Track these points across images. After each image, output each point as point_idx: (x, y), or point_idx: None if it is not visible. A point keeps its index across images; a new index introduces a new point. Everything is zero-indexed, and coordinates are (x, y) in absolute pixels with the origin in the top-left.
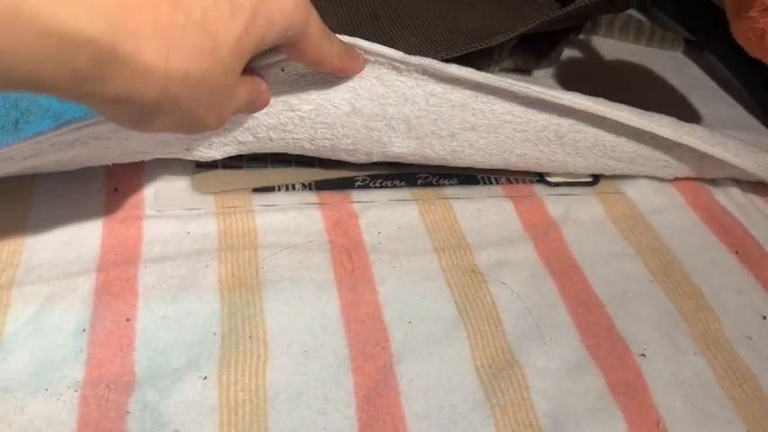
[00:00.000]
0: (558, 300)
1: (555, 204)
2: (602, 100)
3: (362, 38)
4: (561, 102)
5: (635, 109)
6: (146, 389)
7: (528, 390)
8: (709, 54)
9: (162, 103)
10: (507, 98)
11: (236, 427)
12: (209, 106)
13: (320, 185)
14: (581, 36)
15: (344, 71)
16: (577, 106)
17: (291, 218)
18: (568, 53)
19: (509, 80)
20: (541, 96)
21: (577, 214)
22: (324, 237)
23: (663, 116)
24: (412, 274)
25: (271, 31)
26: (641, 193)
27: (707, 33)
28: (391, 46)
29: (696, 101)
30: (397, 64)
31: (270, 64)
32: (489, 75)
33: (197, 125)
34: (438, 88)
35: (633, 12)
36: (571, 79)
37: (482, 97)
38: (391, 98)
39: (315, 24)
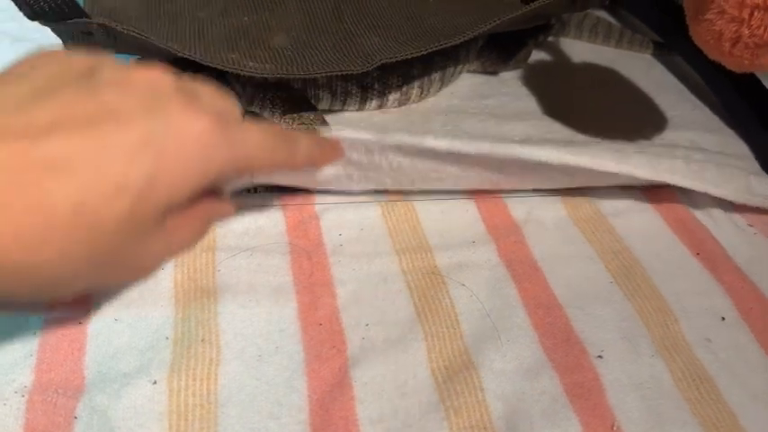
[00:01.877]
0: (518, 302)
1: (518, 206)
2: (577, 147)
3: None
4: (539, 159)
5: (611, 152)
6: (94, 393)
7: (483, 392)
8: (678, 56)
9: (52, 285)
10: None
11: None
12: (113, 274)
13: (283, 187)
14: (550, 38)
15: (317, 164)
16: (554, 161)
17: (252, 220)
18: (537, 55)
19: (486, 144)
20: (518, 156)
21: (540, 216)
22: (284, 239)
23: (641, 156)
24: (372, 277)
25: (179, 191)
26: (605, 196)
27: (674, 35)
28: (354, 46)
29: (664, 102)
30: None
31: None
32: (466, 142)
33: (118, 281)
34: (406, 161)
35: (602, 13)
36: (539, 81)
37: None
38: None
39: (253, 147)
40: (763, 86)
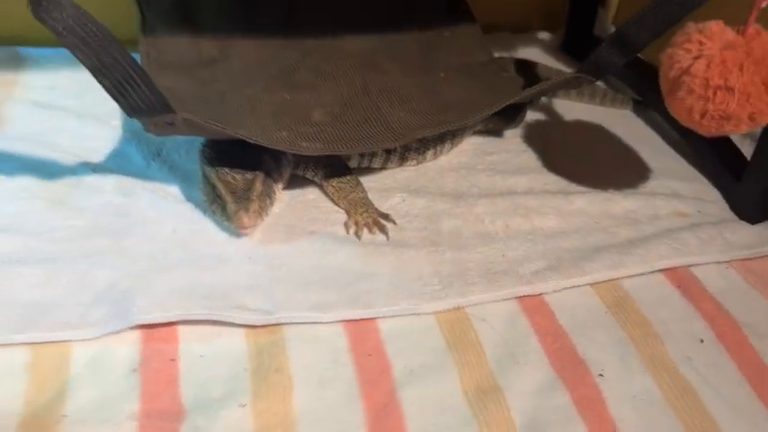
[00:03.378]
0: (530, 331)
1: None
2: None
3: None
4: None
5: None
6: (195, 416)
7: (509, 409)
8: (655, 112)
9: None
10: None
11: None
12: None
13: None
14: (543, 99)
15: None
16: None
17: None
18: (533, 115)
19: None
20: None
21: None
22: None
23: (637, 247)
24: (408, 315)
25: None
26: None
27: (650, 94)
28: (381, 119)
29: (644, 154)
30: None
31: None
32: None
33: None
34: None
35: None
36: (536, 138)
37: None
38: None
39: None
40: (732, 142)
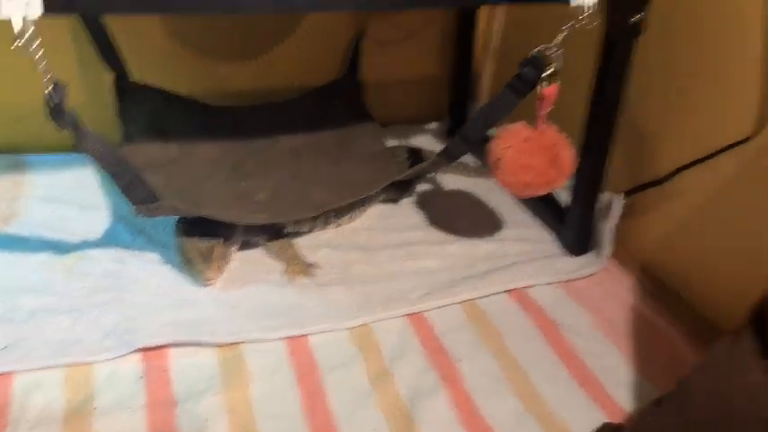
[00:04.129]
0: (414, 337)
1: (436, 319)
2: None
3: (291, 192)
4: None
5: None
6: (184, 404)
7: (395, 385)
8: None
9: None
10: None
11: None
12: None
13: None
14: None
15: None
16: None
17: None
18: (422, 186)
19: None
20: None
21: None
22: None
23: (493, 274)
24: (329, 331)
25: None
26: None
27: None
28: (308, 197)
29: (501, 210)
30: None
31: None
32: None
33: None
34: None
35: None
36: (425, 203)
37: None
38: None
39: None
40: (553, 197)
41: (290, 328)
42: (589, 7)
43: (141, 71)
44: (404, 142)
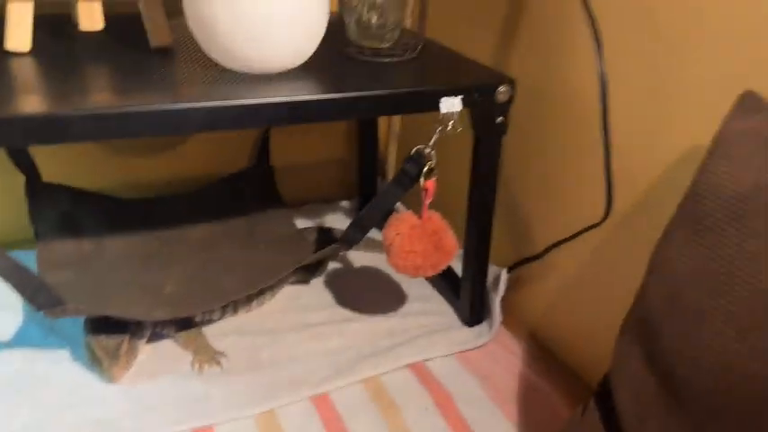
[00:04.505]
0: (318, 420)
1: None
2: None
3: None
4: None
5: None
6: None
7: None
8: None
9: None
10: None
11: None
12: None
13: None
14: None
15: None
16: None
17: None
18: (332, 264)
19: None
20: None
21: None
22: None
23: (390, 350)
24: (234, 420)
25: None
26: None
27: None
28: (215, 287)
29: (404, 284)
30: None
31: None
32: None
33: None
34: None
35: None
36: (332, 282)
37: None
38: None
39: None
40: (453, 271)
41: (197, 420)
42: (453, 114)
43: (52, 170)
44: (317, 221)
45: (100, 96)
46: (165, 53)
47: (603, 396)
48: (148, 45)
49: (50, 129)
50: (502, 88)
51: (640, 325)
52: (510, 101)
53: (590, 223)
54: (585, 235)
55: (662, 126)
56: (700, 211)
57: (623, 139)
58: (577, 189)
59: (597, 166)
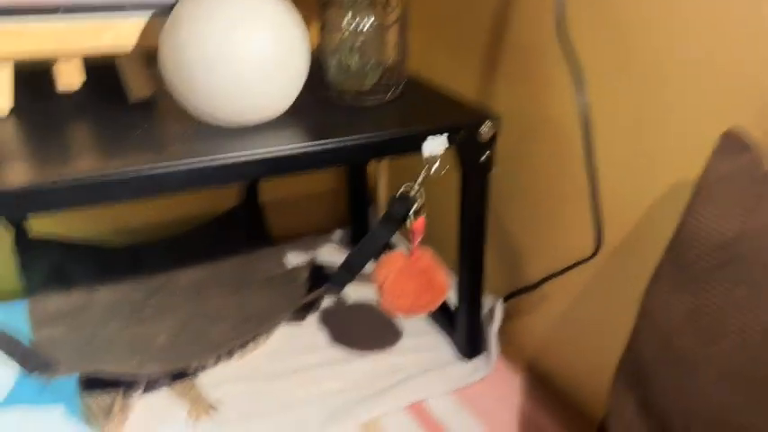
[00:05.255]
0: None
1: None
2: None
3: (188, 334)
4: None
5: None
6: None
7: None
8: None
9: None
10: None
11: None
12: None
13: None
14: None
15: None
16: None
17: None
18: (327, 302)
19: None
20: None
21: None
22: None
23: (392, 389)
24: None
25: None
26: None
27: None
28: (206, 336)
29: (402, 322)
30: None
31: None
32: None
33: None
34: None
35: None
36: (328, 319)
37: None
38: None
39: None
40: (447, 305)
41: None
42: (436, 157)
43: (40, 222)
44: (310, 253)
45: (80, 163)
46: (145, 106)
47: None
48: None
49: (31, 201)
50: (485, 127)
51: (633, 370)
52: (494, 137)
53: (581, 257)
54: (578, 268)
55: (647, 160)
56: (686, 258)
57: (609, 173)
58: (567, 223)
59: (583, 199)
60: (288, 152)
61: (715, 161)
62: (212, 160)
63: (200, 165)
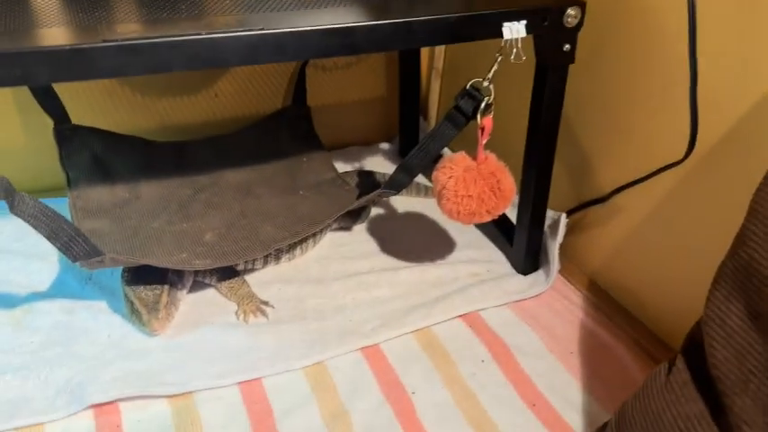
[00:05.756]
0: (369, 371)
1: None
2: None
3: (237, 230)
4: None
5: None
6: None
7: (351, 425)
8: None
9: None
10: None
11: None
12: None
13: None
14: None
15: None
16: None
17: None
18: (375, 210)
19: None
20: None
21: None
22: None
23: (440, 301)
24: (283, 372)
25: None
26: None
27: None
28: (256, 235)
29: (452, 232)
30: None
31: None
32: None
33: None
34: None
35: None
36: (376, 229)
37: None
38: None
39: None
40: (507, 218)
41: (243, 373)
42: (516, 42)
43: (81, 113)
44: (356, 165)
45: (127, 27)
46: None
47: (693, 355)
48: None
49: (77, 63)
50: (571, 11)
51: (741, 276)
52: (579, 25)
53: (667, 162)
54: (661, 175)
55: (753, 57)
56: None
57: (708, 69)
58: (652, 124)
59: (675, 97)
60: (354, 25)
61: None
62: (271, 31)
63: (259, 34)
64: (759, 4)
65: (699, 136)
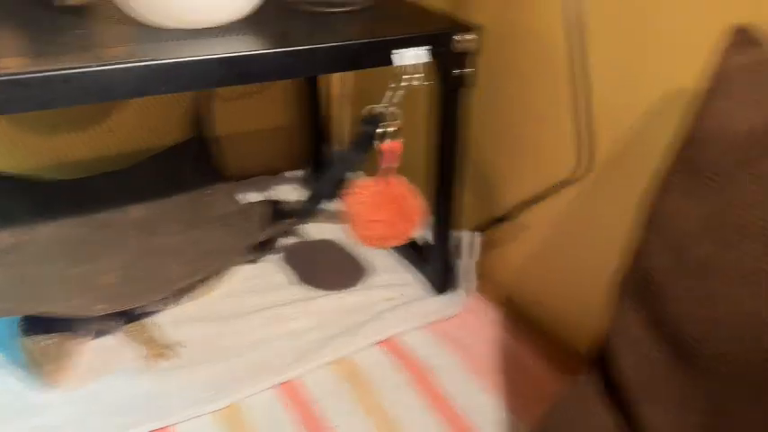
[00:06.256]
0: (285, 408)
1: None
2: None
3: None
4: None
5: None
6: None
7: None
8: None
9: None
10: None
11: None
12: None
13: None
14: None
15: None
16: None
17: None
18: (286, 239)
19: None
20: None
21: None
22: None
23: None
24: (192, 418)
25: None
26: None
27: None
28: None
29: (367, 258)
30: None
31: None
32: None
33: None
34: None
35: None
36: (290, 259)
37: None
38: None
39: None
40: (416, 241)
41: (151, 422)
42: (408, 68)
43: None
44: (264, 194)
45: (12, 62)
46: (74, 11)
47: (602, 365)
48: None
49: None
50: (458, 37)
51: (642, 286)
52: (473, 50)
53: (564, 178)
54: (559, 192)
55: (642, 68)
56: (702, 158)
57: (600, 84)
58: (549, 141)
59: (570, 117)
60: (250, 54)
61: (730, 54)
62: (163, 62)
63: (150, 65)
64: (643, 19)
65: (593, 151)
